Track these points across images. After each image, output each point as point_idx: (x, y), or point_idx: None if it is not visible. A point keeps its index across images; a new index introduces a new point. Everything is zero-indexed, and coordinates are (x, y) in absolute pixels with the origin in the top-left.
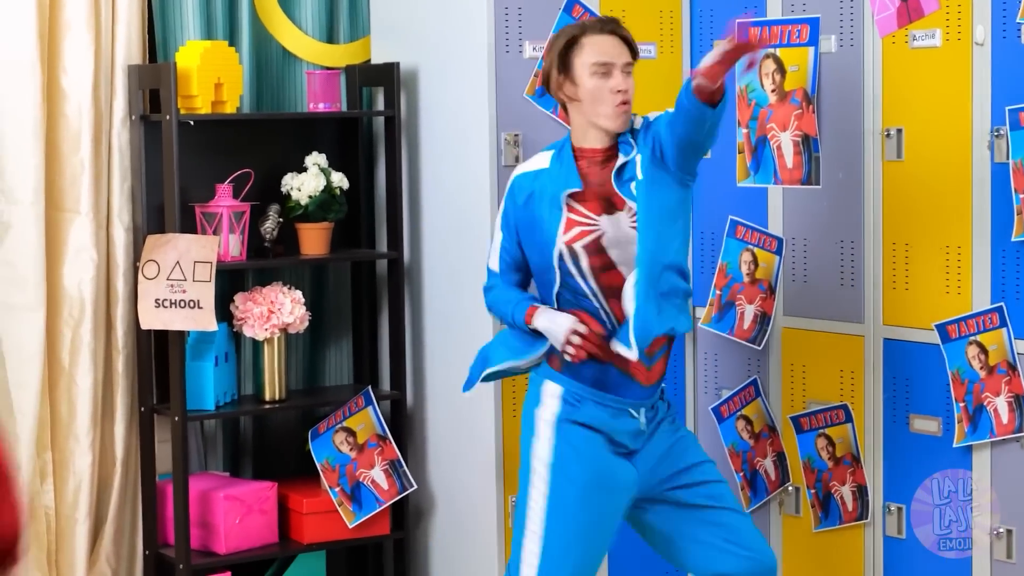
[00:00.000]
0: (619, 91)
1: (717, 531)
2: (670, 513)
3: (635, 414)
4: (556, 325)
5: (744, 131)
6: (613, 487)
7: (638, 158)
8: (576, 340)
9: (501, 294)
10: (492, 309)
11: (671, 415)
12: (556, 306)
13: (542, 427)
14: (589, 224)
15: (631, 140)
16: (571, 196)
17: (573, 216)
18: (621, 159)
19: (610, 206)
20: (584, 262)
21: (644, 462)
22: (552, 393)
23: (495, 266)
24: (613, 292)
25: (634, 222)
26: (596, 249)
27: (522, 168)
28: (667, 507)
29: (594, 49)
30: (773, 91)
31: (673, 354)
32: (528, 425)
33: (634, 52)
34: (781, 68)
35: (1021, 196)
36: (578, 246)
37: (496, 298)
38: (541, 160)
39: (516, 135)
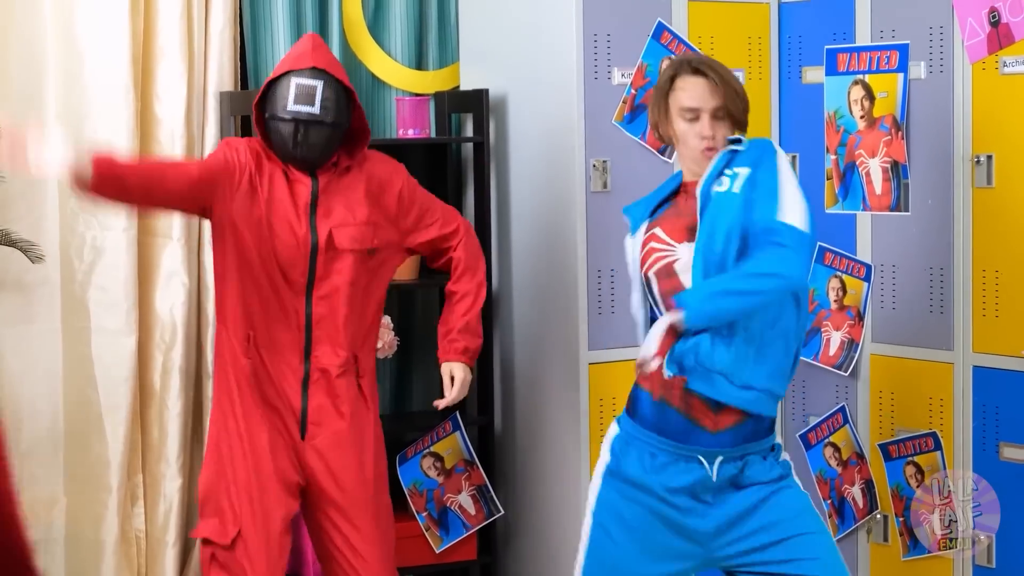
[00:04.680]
0: (703, 137)
1: None
2: None
3: (704, 463)
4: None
5: (833, 157)
6: (658, 554)
7: (741, 173)
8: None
9: None
10: None
11: (776, 474)
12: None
13: (595, 474)
14: (666, 250)
15: (728, 169)
16: (659, 225)
17: (654, 244)
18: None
19: (693, 234)
20: (655, 288)
21: (714, 520)
22: (608, 436)
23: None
24: None
25: None
26: (667, 273)
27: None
28: None
29: (684, 93)
30: (862, 117)
31: None
32: None
33: (732, 93)
34: (870, 95)
35: None
36: (651, 273)
37: None
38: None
39: (604, 161)
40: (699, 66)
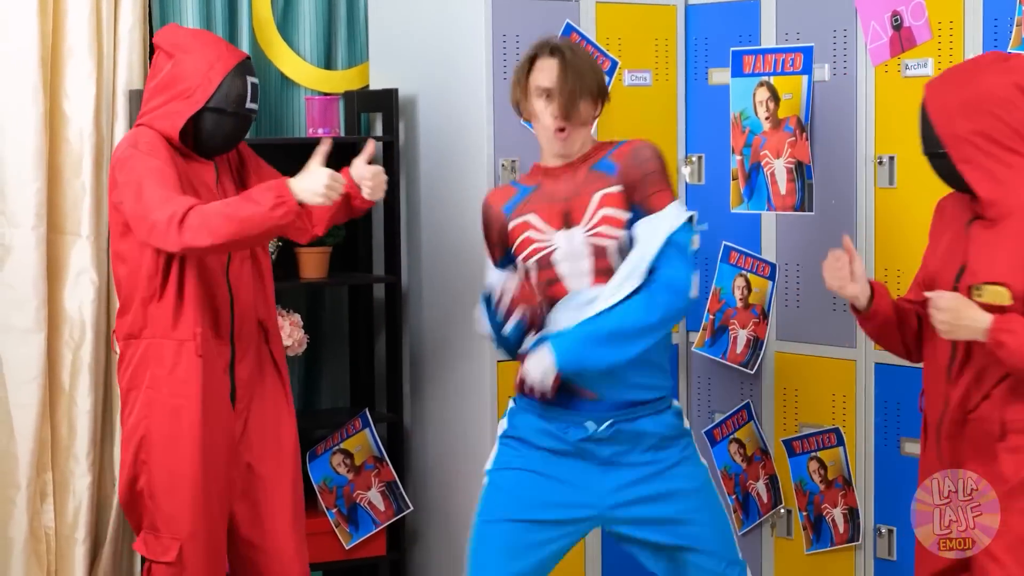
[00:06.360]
0: (555, 117)
1: None
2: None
3: (589, 425)
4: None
5: (738, 158)
6: (545, 504)
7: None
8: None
9: None
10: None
11: (678, 445)
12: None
13: (497, 441)
14: (543, 240)
15: (612, 162)
16: (532, 211)
17: (530, 233)
18: (607, 176)
19: (568, 220)
20: (534, 277)
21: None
22: (506, 409)
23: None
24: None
25: (590, 235)
26: (545, 264)
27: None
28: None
29: (541, 73)
30: (767, 119)
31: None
32: None
33: (588, 80)
34: (775, 96)
35: None
36: (531, 263)
37: None
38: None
39: (513, 161)
40: (557, 48)
